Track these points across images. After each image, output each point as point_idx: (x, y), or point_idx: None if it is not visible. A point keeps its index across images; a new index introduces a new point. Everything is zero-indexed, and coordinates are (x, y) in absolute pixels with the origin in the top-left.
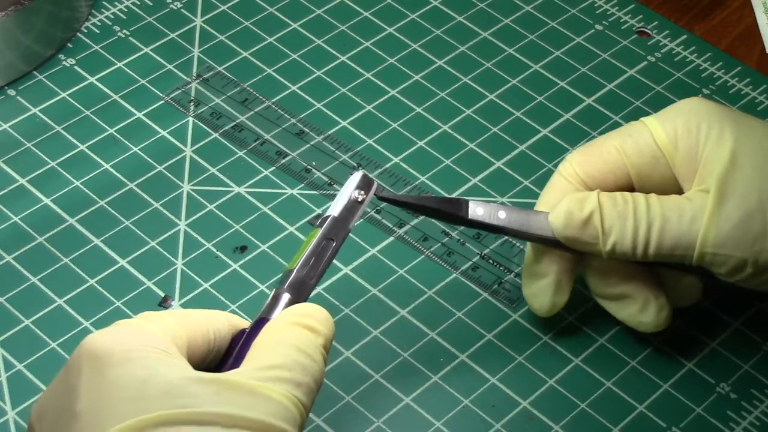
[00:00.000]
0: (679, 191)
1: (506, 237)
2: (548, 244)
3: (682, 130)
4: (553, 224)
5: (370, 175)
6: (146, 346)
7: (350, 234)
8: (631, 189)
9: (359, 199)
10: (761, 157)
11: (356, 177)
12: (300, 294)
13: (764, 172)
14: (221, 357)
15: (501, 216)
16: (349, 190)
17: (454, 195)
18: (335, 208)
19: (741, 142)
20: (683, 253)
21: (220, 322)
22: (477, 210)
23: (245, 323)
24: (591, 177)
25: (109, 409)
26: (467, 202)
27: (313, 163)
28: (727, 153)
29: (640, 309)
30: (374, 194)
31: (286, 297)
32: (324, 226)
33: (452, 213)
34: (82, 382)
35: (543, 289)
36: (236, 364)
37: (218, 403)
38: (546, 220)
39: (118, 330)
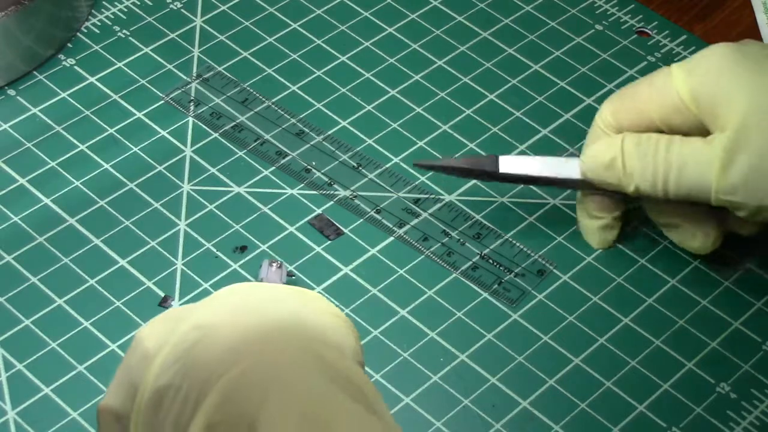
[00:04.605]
0: (707, 135)
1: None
2: (583, 188)
3: (705, 82)
4: (581, 167)
5: (276, 258)
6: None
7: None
8: (662, 132)
9: (279, 266)
10: None
11: (265, 266)
12: None
13: None
14: None
15: (534, 166)
16: (264, 272)
17: (454, 194)
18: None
19: (760, 93)
20: (700, 196)
21: None
22: (508, 163)
23: None
24: (623, 124)
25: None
26: (497, 157)
27: (313, 163)
28: (744, 103)
29: (689, 236)
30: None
31: None
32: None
33: (484, 170)
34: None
35: (592, 228)
36: None
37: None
38: (577, 166)
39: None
